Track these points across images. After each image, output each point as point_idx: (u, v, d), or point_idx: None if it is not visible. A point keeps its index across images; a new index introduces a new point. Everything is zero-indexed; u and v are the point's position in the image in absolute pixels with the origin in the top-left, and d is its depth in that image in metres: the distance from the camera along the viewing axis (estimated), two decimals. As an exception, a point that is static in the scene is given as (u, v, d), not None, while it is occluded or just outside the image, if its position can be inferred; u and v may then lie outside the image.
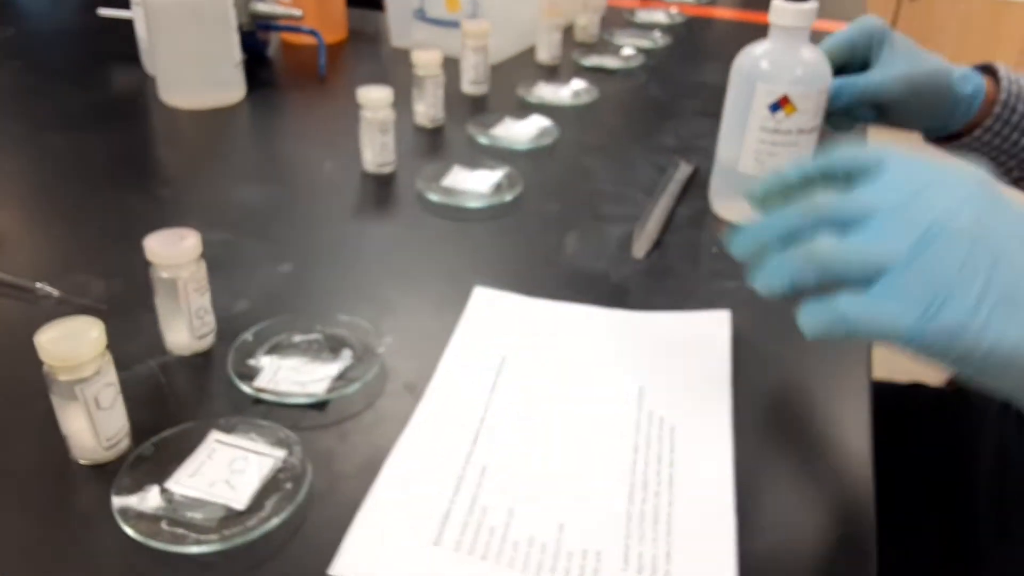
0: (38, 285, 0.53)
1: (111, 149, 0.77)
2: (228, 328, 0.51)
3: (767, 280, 0.40)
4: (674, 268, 0.60)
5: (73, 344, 0.37)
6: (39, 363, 0.38)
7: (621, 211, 0.68)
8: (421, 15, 1.07)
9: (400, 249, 0.63)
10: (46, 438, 0.42)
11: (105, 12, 1.02)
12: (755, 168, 0.64)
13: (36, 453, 0.41)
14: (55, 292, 0.53)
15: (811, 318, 0.37)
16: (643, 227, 0.65)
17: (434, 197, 0.68)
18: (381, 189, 0.72)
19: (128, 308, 0.53)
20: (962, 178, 0.38)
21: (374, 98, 0.70)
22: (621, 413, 0.45)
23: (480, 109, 0.91)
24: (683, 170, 0.75)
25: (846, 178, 0.40)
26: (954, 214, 0.36)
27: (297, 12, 0.95)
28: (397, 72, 1.01)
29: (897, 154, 0.39)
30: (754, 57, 0.63)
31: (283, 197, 0.69)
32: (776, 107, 0.62)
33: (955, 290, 0.34)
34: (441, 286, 0.57)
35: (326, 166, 0.75)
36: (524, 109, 0.89)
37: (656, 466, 0.41)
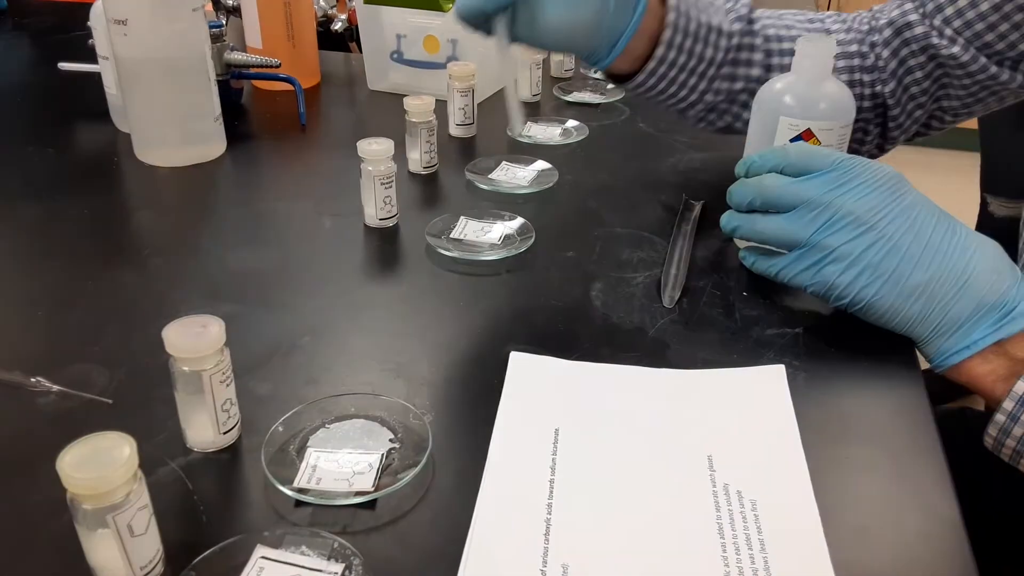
0: (34, 380, 0.49)
1: (91, 217, 0.72)
2: (253, 417, 0.46)
3: (726, 229, 0.60)
4: (708, 317, 0.58)
5: (102, 468, 0.33)
6: (49, 478, 0.33)
7: (640, 256, 0.66)
8: (398, 57, 1.04)
9: (420, 311, 0.59)
10: (66, 569, 0.37)
11: (67, 66, 0.97)
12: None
13: (56, 585, 0.37)
14: (54, 387, 0.48)
15: (750, 260, 0.60)
16: (668, 275, 0.62)
17: (446, 252, 0.65)
18: (387, 245, 0.68)
19: (137, 400, 0.48)
20: (874, 178, 0.53)
21: (375, 150, 0.67)
22: (696, 489, 0.42)
23: (470, 151, 0.88)
24: (693, 210, 0.73)
25: (797, 171, 0.56)
26: (852, 209, 0.52)
27: (275, 61, 0.91)
28: (379, 117, 0.98)
29: (832, 160, 0.54)
30: (776, 91, 0.61)
31: (286, 259, 0.65)
32: (798, 140, 0.60)
33: (832, 260, 0.53)
34: (472, 351, 0.54)
35: (326, 223, 0.71)
36: (516, 150, 0.86)
37: (748, 551, 0.38)
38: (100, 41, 0.84)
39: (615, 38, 0.64)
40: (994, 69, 0.67)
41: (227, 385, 0.43)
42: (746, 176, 0.59)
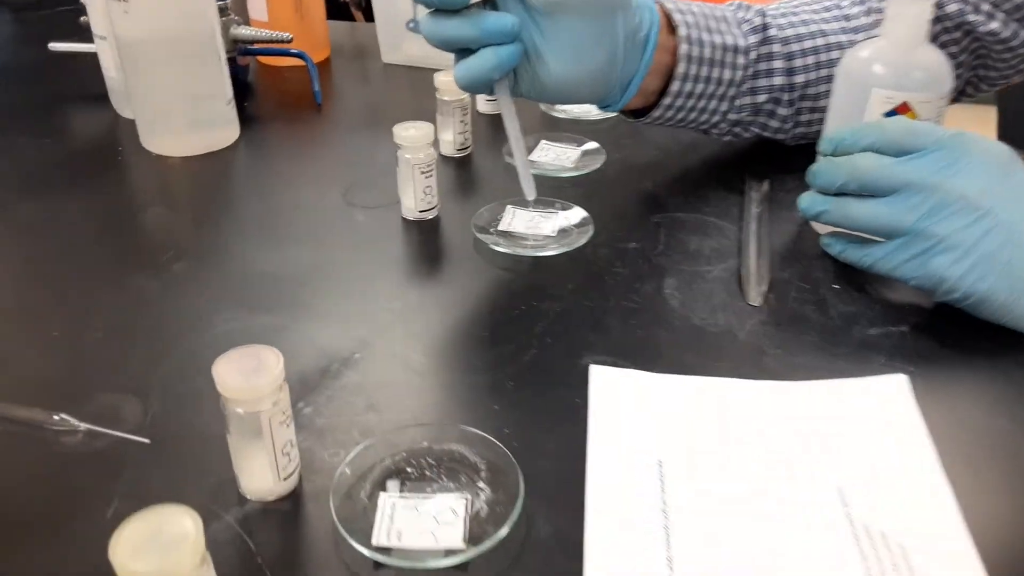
0: (57, 417, 0.42)
1: (99, 214, 0.65)
2: (310, 454, 0.41)
3: (809, 213, 0.54)
4: (801, 315, 0.52)
5: (164, 554, 0.27)
6: (87, 537, 0.28)
7: (710, 245, 0.60)
8: (415, 27, 0.96)
9: (477, 317, 0.53)
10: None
11: (58, 47, 0.89)
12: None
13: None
14: (81, 425, 0.42)
15: (837, 248, 0.54)
16: (749, 268, 0.56)
17: (497, 248, 0.59)
18: (429, 240, 0.62)
19: (176, 437, 0.42)
20: (987, 156, 0.48)
21: (413, 136, 0.60)
22: (833, 532, 0.36)
23: (501, 128, 0.81)
24: (759, 190, 0.67)
25: (897, 150, 0.50)
26: (964, 192, 0.47)
27: (286, 35, 0.84)
28: (398, 93, 0.91)
29: (937, 138, 0.49)
30: (864, 59, 0.55)
31: (320, 259, 0.59)
32: (893, 115, 0.54)
33: (942, 251, 0.47)
34: (544, 363, 0.48)
35: (358, 217, 0.64)
36: (553, 127, 0.80)
37: (911, 608, 0.33)
38: (96, 19, 0.76)
39: (626, 82, 0.59)
40: None
41: (287, 425, 0.37)
42: (833, 155, 0.53)
